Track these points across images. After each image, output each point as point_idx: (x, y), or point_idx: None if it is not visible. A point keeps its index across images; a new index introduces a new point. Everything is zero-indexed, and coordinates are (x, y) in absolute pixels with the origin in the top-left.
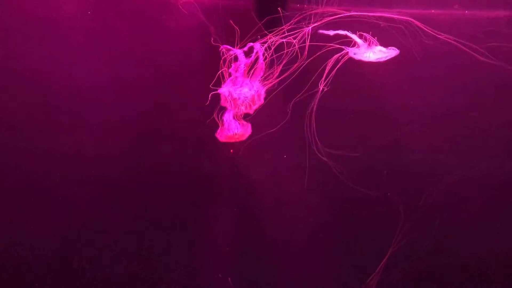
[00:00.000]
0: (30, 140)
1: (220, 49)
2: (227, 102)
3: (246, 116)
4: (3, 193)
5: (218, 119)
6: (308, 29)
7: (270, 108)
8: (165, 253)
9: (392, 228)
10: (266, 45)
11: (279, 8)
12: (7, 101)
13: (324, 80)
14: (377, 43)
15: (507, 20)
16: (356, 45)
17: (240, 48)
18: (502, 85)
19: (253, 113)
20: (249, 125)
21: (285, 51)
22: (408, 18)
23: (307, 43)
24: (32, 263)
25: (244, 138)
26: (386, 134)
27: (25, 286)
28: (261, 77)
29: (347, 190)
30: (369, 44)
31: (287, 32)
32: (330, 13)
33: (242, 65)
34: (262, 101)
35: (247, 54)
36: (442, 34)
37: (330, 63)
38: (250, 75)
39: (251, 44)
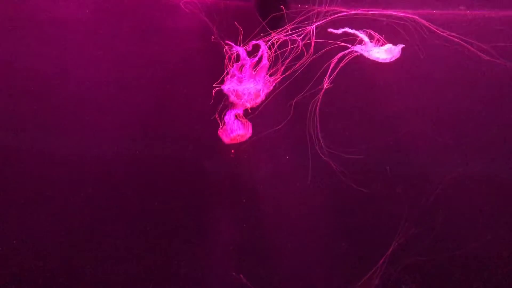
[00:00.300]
0: (30, 140)
1: (223, 47)
2: (233, 97)
3: (248, 115)
4: (3, 193)
5: (220, 120)
6: (312, 27)
7: (272, 107)
8: (166, 253)
9: (393, 227)
10: (269, 42)
11: (281, 6)
12: (7, 102)
13: (328, 78)
14: (385, 41)
15: None
16: (363, 43)
17: (243, 47)
18: (507, 84)
19: (256, 111)
20: (250, 125)
21: (289, 47)
22: (413, 16)
23: (313, 40)
24: (32, 263)
25: (245, 138)
26: (388, 133)
27: (25, 286)
28: (265, 74)
29: (349, 190)
30: (376, 43)
31: (291, 31)
32: (334, 12)
33: (247, 62)
34: (264, 97)
35: (251, 53)
36: (447, 31)
37: (334, 61)
38: (255, 71)
39: (255, 41)
